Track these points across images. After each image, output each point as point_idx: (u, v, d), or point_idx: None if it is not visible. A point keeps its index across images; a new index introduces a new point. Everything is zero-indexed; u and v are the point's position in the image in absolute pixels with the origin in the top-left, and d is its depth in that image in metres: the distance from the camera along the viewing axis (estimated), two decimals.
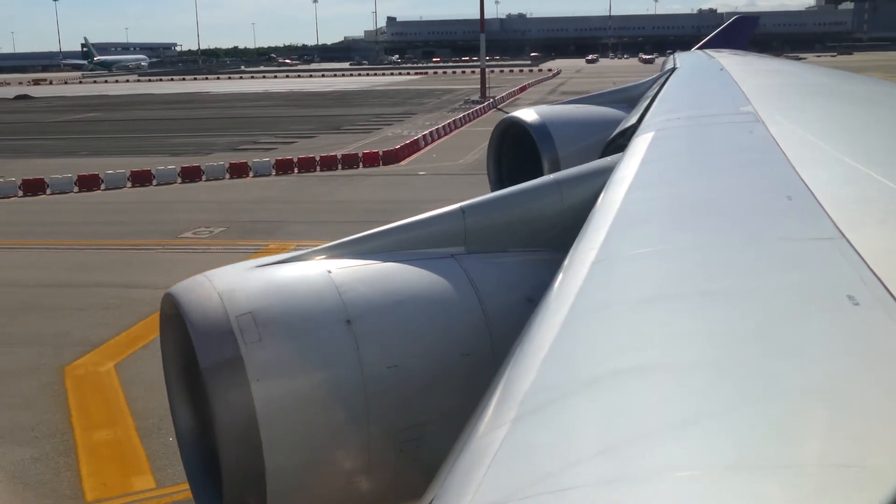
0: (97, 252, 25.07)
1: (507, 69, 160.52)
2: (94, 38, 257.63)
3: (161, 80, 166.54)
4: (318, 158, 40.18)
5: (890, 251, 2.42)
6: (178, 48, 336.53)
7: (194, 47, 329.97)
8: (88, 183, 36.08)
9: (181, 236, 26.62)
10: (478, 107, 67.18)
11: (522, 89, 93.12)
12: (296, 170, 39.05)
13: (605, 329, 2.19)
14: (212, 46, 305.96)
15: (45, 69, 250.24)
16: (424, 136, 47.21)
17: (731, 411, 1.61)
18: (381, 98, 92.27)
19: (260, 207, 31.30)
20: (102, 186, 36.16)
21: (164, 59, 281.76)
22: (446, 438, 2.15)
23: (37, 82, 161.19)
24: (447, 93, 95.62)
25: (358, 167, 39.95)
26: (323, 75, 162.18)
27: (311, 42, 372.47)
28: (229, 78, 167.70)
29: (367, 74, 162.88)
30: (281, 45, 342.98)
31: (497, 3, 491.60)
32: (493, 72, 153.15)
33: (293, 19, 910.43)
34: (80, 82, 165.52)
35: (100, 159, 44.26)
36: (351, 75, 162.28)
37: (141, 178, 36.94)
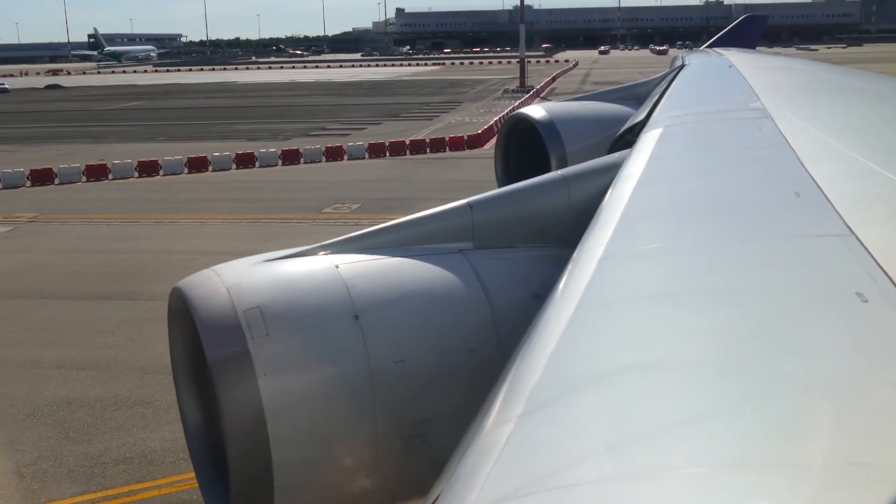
0: (255, 224, 27.03)
1: (515, 61, 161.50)
2: (99, 29, 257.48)
3: (179, 70, 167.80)
4: (408, 143, 42.17)
5: None
6: (182, 39, 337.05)
7: (196, 38, 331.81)
8: (198, 165, 38.02)
9: (324, 211, 28.61)
10: (525, 96, 69.15)
11: (554, 79, 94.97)
12: (387, 153, 41.04)
13: (613, 326, 2.19)
14: (214, 38, 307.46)
15: (52, 60, 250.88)
16: (496, 122, 49.15)
17: (739, 409, 1.62)
18: (415, 88, 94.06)
19: (377, 186, 33.25)
20: (210, 168, 38.10)
21: (172, 51, 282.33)
22: (453, 434, 2.18)
23: (55, 73, 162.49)
24: (479, 83, 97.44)
25: (445, 150, 41.92)
26: (341, 66, 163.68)
27: (312, 33, 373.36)
28: (247, 68, 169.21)
29: (386, 65, 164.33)
30: (283, 37, 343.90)
31: None
32: (509, 62, 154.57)
33: (295, 10, 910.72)
34: (98, 72, 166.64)
35: (179, 144, 46.31)
36: (368, 66, 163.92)
37: (244, 161, 38.88)
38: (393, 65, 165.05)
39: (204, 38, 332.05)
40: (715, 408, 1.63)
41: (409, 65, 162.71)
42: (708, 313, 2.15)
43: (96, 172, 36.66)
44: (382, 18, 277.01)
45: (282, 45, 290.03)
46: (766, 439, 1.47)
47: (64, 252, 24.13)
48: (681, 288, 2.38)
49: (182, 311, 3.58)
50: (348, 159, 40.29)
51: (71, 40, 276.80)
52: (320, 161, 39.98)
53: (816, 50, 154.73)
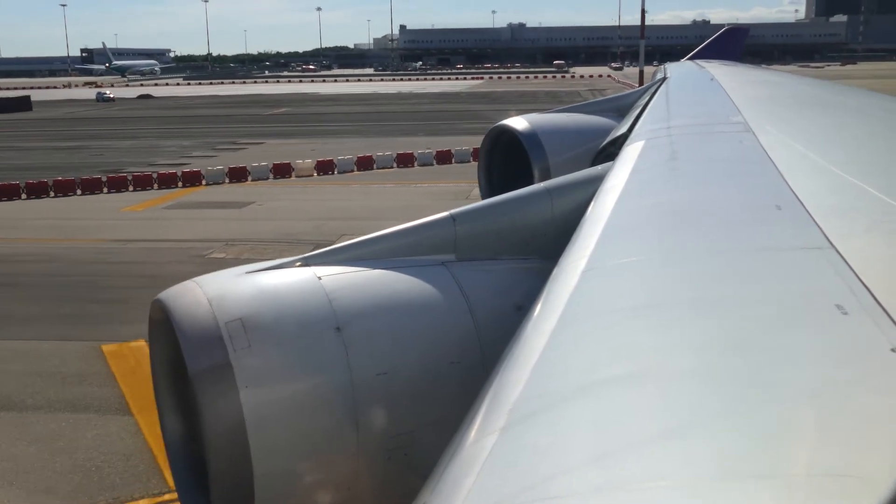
0: None
1: (549, 76, 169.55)
2: (82, 44, 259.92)
3: (223, 83, 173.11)
4: None
5: (878, 260, 2.46)
6: (171, 54, 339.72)
7: (182, 53, 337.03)
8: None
9: None
10: None
11: None
12: None
13: (595, 337, 2.22)
14: (198, 52, 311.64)
15: (52, 73, 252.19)
16: None
17: (721, 420, 1.64)
18: (522, 98, 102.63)
19: None
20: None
21: (173, 66, 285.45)
22: (435, 446, 2.18)
23: (98, 86, 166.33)
24: (574, 94, 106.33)
25: None
26: (382, 80, 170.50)
27: (287, 49, 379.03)
28: (289, 81, 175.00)
29: (421, 80, 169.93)
30: (257, 53, 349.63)
31: (494, 12, 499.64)
32: (545, 77, 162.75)
33: (278, 26, 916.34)
34: (141, 85, 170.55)
35: (415, 138, 55.34)
36: (409, 80, 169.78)
37: None
38: (429, 79, 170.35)
39: (184, 54, 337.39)
40: (697, 419, 1.66)
41: (448, 79, 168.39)
42: (690, 325, 2.19)
43: (442, 158, 45.71)
44: (375, 35, 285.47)
45: (282, 60, 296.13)
46: (748, 451, 1.49)
47: None
48: (663, 300, 2.41)
49: (163, 323, 3.57)
50: None
51: (58, 55, 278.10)
52: None
53: (821, 67, 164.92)
